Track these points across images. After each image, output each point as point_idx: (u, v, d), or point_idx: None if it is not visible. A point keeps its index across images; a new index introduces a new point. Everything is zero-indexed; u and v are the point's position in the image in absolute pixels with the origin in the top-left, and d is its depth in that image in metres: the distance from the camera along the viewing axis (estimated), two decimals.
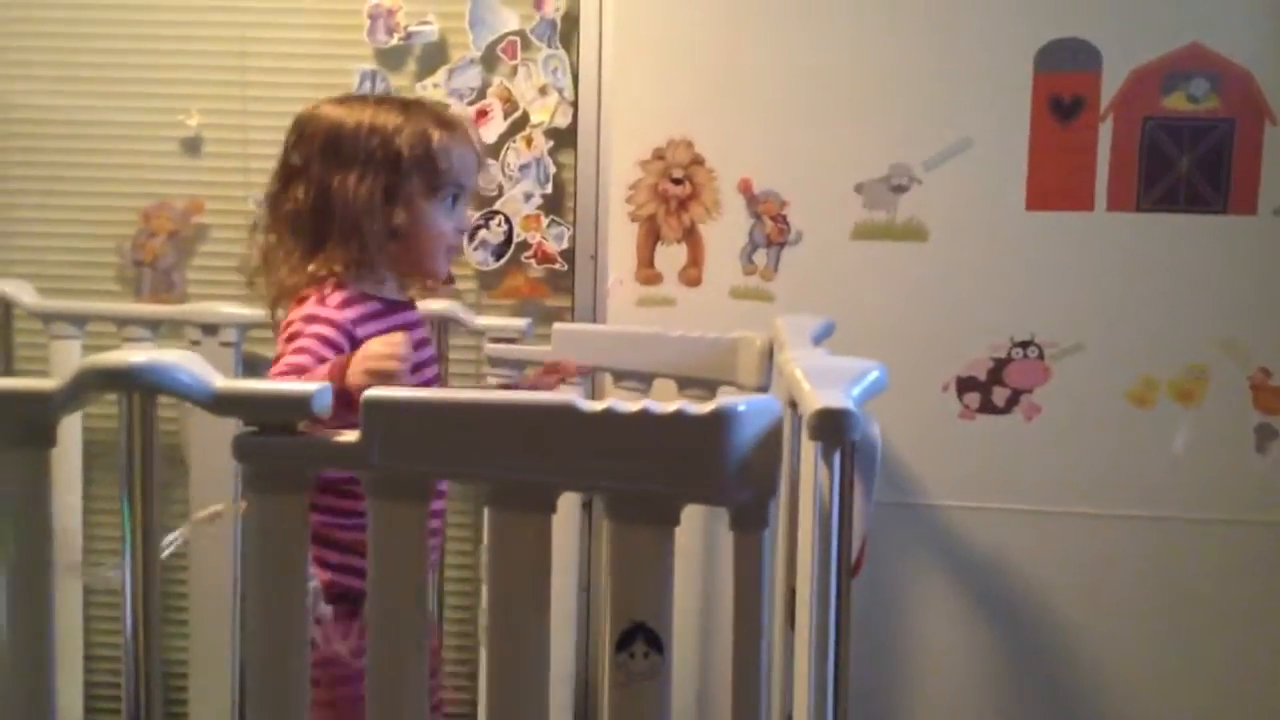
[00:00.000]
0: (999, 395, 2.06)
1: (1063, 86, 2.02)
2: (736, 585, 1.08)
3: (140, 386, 1.07)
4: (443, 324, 2.07)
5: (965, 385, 2.06)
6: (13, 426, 1.10)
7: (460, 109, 2.16)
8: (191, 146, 2.23)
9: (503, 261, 2.19)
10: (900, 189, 2.05)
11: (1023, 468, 2.06)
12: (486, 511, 1.10)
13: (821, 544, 1.09)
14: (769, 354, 1.93)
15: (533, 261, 2.19)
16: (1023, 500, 2.06)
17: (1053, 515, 2.06)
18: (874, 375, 1.14)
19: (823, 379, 1.11)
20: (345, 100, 1.51)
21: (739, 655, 1.08)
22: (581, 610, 2.10)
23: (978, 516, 2.06)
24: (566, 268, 2.18)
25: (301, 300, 1.44)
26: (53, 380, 1.10)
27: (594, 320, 2.15)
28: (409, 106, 1.50)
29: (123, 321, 2.06)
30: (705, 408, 1.05)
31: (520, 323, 2.08)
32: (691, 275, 2.11)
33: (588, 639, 2.11)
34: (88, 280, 2.25)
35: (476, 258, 2.19)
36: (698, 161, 2.08)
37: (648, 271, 2.12)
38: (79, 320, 2.08)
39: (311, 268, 1.43)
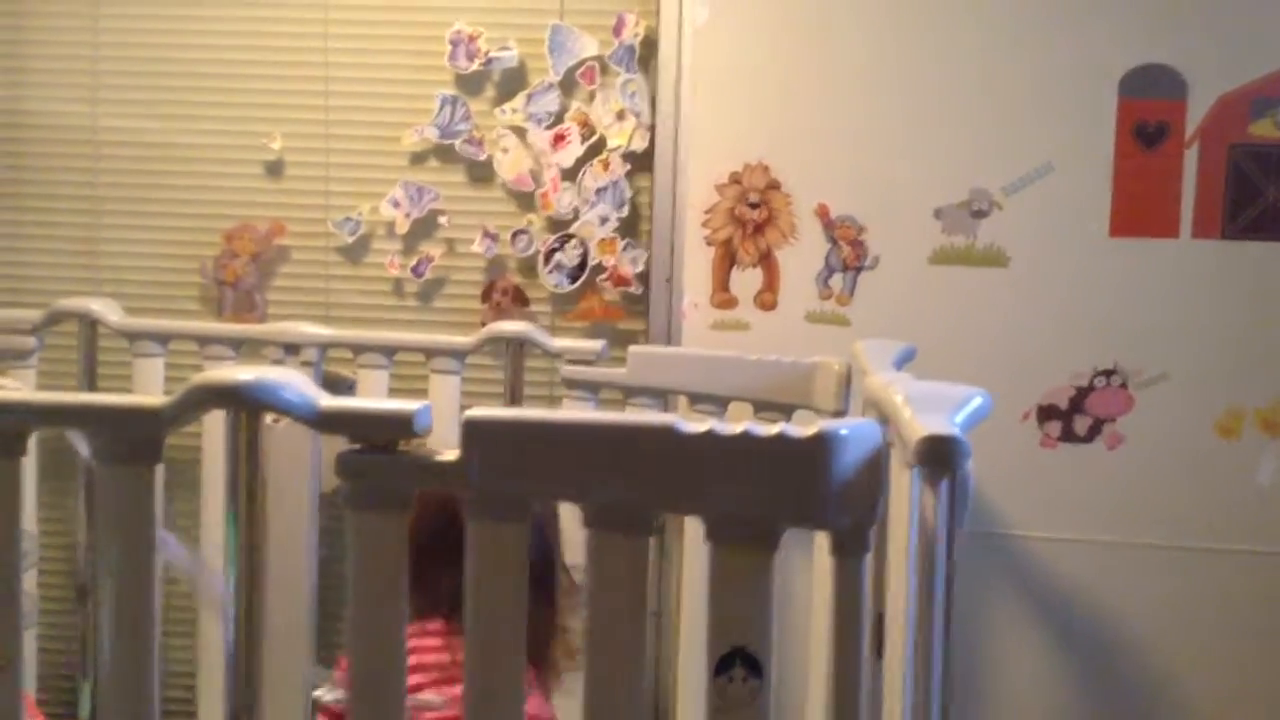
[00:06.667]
0: (1080, 424, 2.03)
1: (1147, 112, 2.00)
2: (836, 611, 1.07)
3: (248, 404, 1.09)
4: (519, 345, 2.08)
5: (1046, 413, 2.04)
6: (121, 443, 1.12)
7: (538, 133, 2.18)
8: (274, 169, 2.27)
9: (578, 284, 2.20)
10: (980, 214, 2.03)
11: (1104, 498, 2.02)
12: (585, 533, 1.09)
13: (924, 574, 1.07)
14: (847, 379, 1.92)
15: (608, 284, 2.19)
16: (1104, 531, 2.02)
17: (1134, 547, 2.02)
18: (977, 402, 1.13)
19: (925, 405, 1.09)
20: None
21: (839, 681, 1.06)
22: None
23: (1058, 547, 2.03)
24: (641, 291, 2.19)
25: None
26: (161, 397, 1.12)
27: (668, 343, 2.15)
28: None
29: (205, 340, 2.10)
30: (808, 430, 1.04)
31: (596, 345, 2.08)
32: (767, 299, 2.10)
33: (657, 663, 2.10)
34: (170, 299, 2.29)
35: (552, 280, 2.20)
36: (774, 186, 2.08)
37: (723, 295, 2.12)
38: (162, 339, 2.11)
39: None
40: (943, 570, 1.04)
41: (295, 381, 1.10)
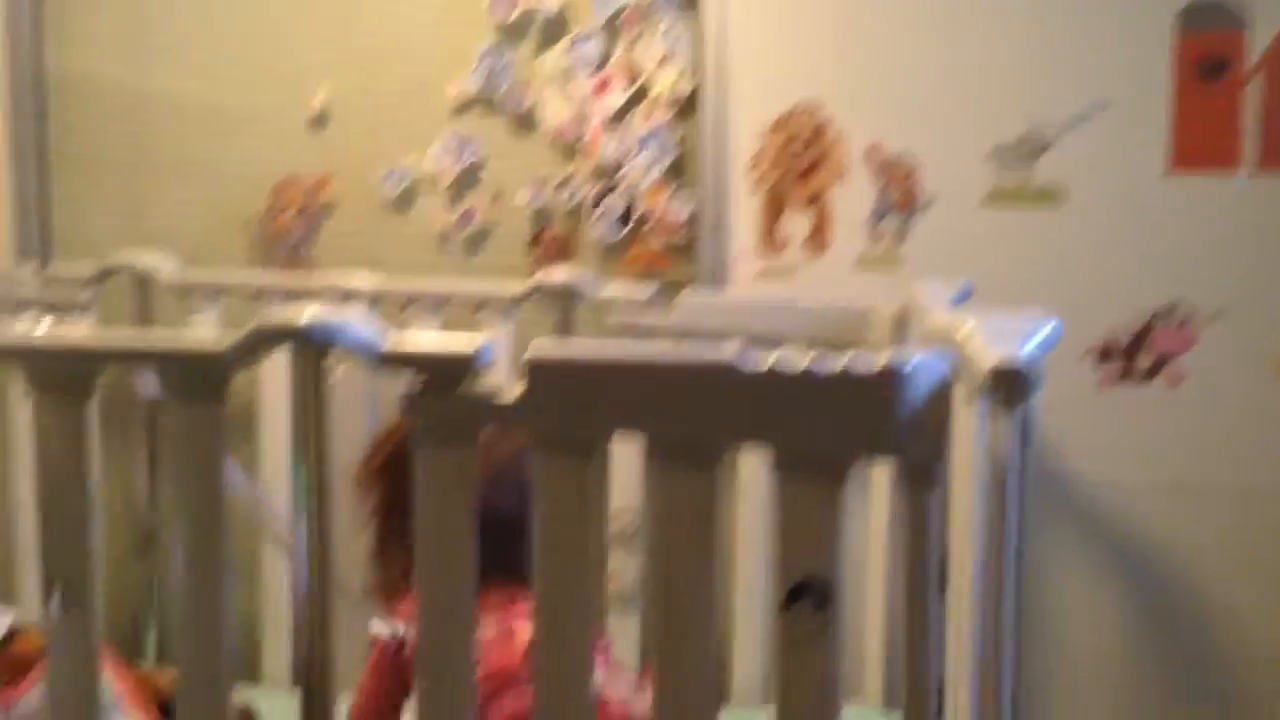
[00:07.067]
0: (1141, 363, 2.00)
1: (1206, 46, 1.95)
2: (907, 545, 1.06)
3: (311, 343, 1.09)
4: (567, 294, 2.07)
5: (1105, 353, 2.01)
6: (185, 384, 1.12)
7: (580, 81, 2.16)
8: (318, 123, 2.26)
9: (624, 233, 2.18)
10: (1036, 152, 1.99)
11: (1165, 437, 1.99)
12: (646, 469, 1.09)
13: (995, 508, 1.06)
14: (901, 321, 1.90)
15: (654, 232, 2.18)
16: (1165, 471, 2.00)
17: (1196, 486, 1.99)
18: (1048, 329, 1.11)
19: (995, 333, 1.08)
20: None
21: (912, 615, 1.06)
22: None
23: (1117, 488, 2.01)
24: (689, 238, 2.17)
25: None
26: (225, 338, 1.12)
27: (717, 290, 2.14)
28: None
29: (258, 293, 2.10)
30: (874, 365, 1.03)
31: (646, 291, 2.07)
32: (817, 244, 2.08)
33: None
34: (219, 255, 2.29)
35: (598, 229, 2.18)
36: (824, 128, 2.05)
37: (772, 240, 2.09)
38: (215, 292, 2.12)
39: None
40: (1016, 500, 1.03)
41: (357, 320, 1.10)
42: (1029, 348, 1.05)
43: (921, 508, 1.06)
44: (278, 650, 2.11)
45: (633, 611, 2.07)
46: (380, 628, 1.42)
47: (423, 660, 1.10)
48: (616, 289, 2.10)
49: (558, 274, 2.08)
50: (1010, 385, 0.99)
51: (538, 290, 2.07)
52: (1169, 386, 2.00)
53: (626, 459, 1.99)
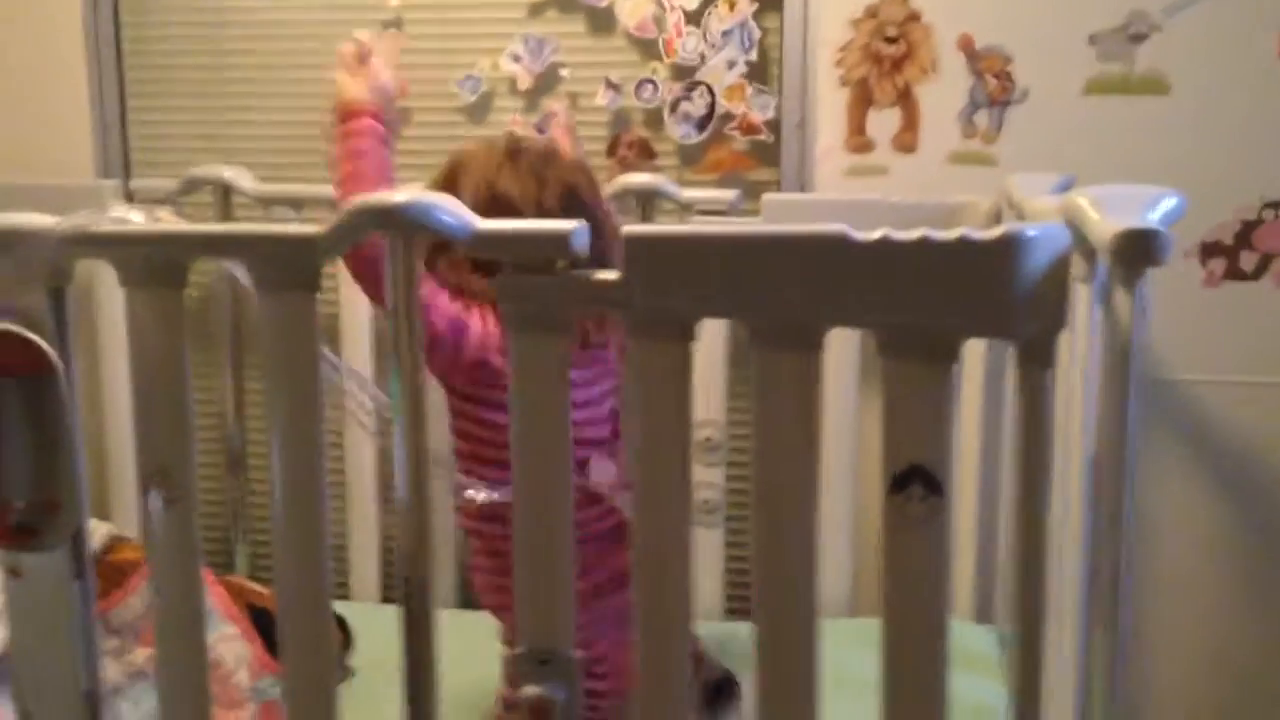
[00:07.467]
0: (1247, 260, 1.92)
1: None
2: (1023, 426, 1.02)
3: (404, 225, 1.07)
4: (648, 198, 2.03)
5: (1209, 251, 1.92)
6: (278, 274, 1.11)
7: None
8: (393, 28, 2.22)
9: (705, 134, 2.13)
10: (1139, 38, 1.90)
11: (1272, 337, 1.91)
12: (751, 351, 1.06)
13: (1115, 390, 1.01)
14: (996, 218, 1.84)
15: (737, 133, 2.12)
16: (1271, 372, 1.92)
17: None
18: (1172, 202, 1.05)
19: (1118, 202, 1.02)
20: None
21: (1024, 498, 1.02)
22: None
23: (1222, 389, 1.94)
24: (772, 139, 2.11)
25: None
26: (317, 224, 1.10)
27: (801, 192, 2.08)
28: None
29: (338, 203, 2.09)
30: (992, 233, 0.98)
31: (729, 194, 2.03)
32: (906, 141, 2.01)
33: None
34: (298, 168, 2.28)
35: (678, 131, 2.13)
36: (913, 17, 1.97)
37: (859, 139, 2.03)
38: (296, 203, 2.12)
39: None
40: (1138, 380, 0.98)
41: (450, 204, 1.08)
42: (1155, 214, 1.00)
43: (1039, 388, 1.02)
44: (366, 566, 2.14)
45: (716, 525, 2.06)
46: (476, 494, 1.42)
47: (519, 534, 1.09)
48: (698, 192, 2.05)
49: (638, 178, 2.04)
50: (1137, 250, 0.94)
51: (618, 195, 2.03)
52: (1276, 285, 1.91)
53: (711, 373, 1.98)
